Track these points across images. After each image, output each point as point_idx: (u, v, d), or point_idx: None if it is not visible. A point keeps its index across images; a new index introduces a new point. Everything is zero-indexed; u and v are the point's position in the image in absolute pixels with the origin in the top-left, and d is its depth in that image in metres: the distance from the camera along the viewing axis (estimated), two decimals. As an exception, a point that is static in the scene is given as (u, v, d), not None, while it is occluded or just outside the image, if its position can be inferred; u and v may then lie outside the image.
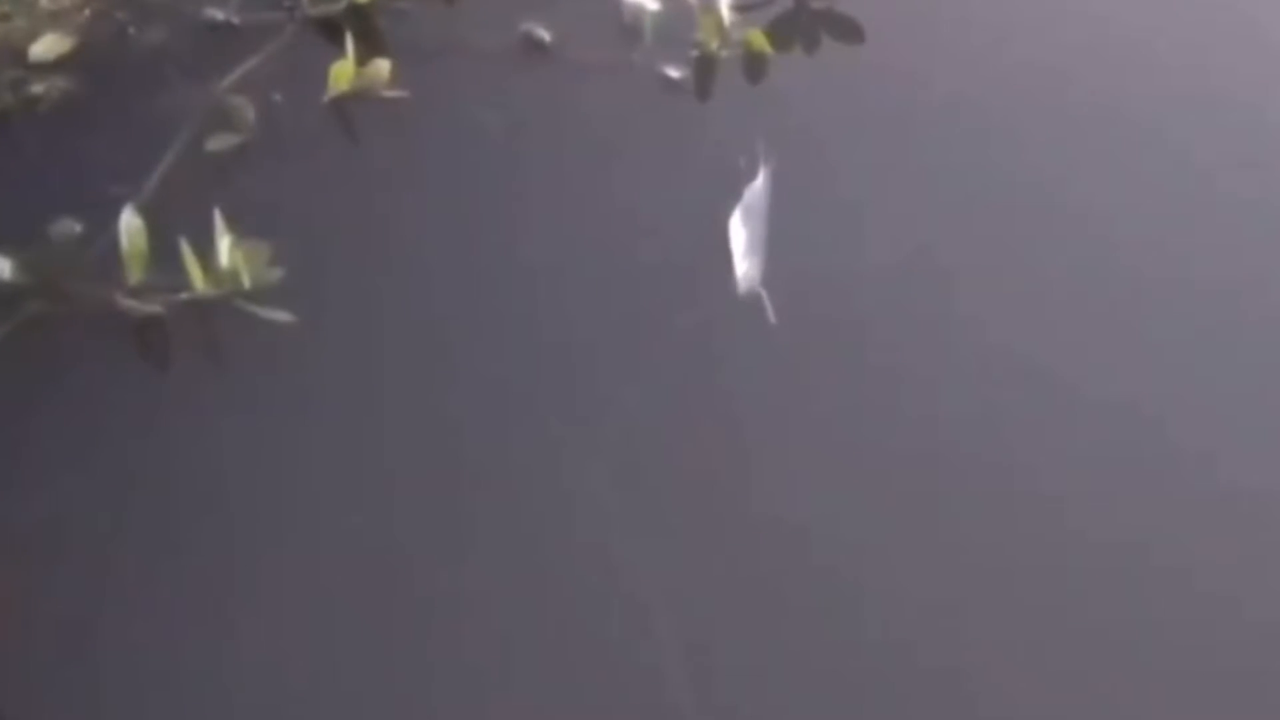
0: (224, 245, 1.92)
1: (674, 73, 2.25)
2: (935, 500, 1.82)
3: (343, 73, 2.13)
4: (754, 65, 2.27)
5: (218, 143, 2.09)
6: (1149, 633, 1.73)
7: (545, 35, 2.27)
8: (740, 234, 2.02)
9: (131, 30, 2.21)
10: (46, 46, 2.15)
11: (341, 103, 2.15)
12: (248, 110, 2.12)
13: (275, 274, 1.95)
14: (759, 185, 2.08)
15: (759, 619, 1.73)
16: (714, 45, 2.27)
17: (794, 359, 1.93)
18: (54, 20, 2.19)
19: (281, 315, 1.92)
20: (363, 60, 2.15)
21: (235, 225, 1.93)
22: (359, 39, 2.16)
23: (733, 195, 2.08)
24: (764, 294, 1.96)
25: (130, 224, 1.93)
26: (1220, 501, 1.82)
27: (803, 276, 1.99)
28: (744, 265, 1.98)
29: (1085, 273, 2.04)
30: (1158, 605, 1.74)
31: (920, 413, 1.90)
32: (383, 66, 2.16)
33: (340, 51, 2.14)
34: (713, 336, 1.96)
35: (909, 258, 2.03)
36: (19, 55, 2.15)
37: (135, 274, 1.92)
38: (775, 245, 2.02)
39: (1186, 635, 1.73)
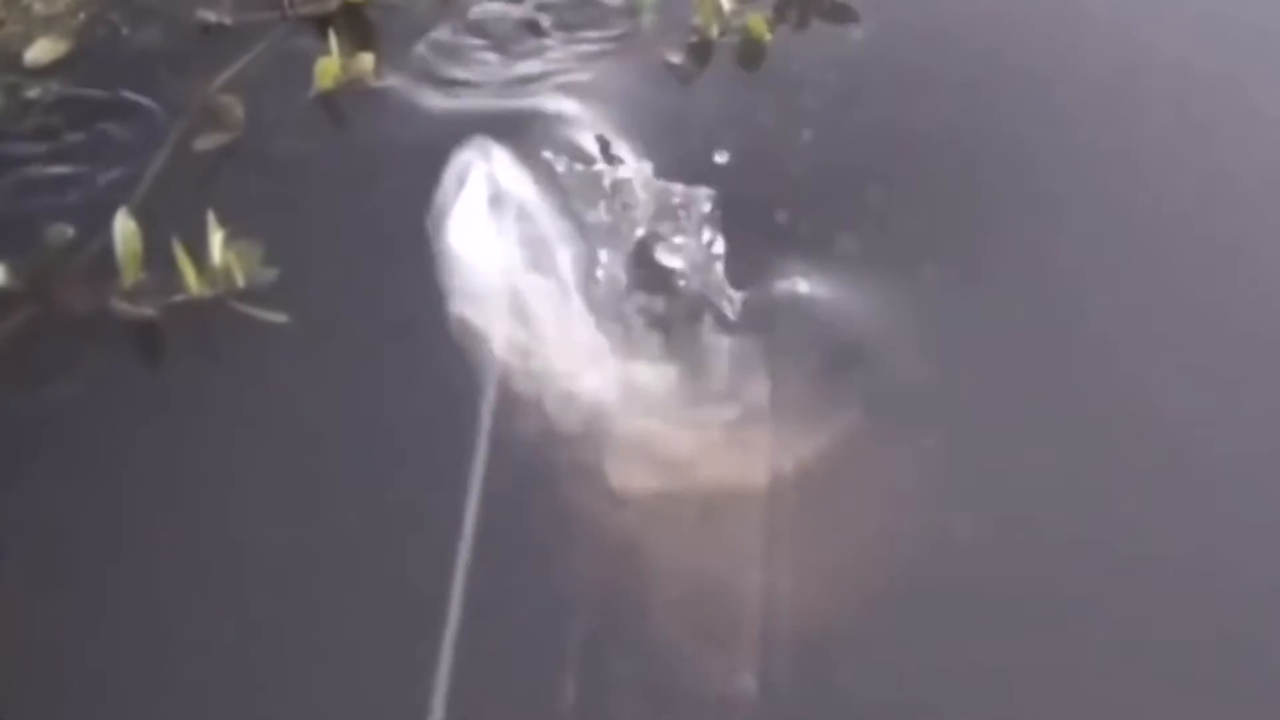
0: (216, 243, 1.92)
1: (673, 58, 2.23)
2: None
3: (327, 70, 2.13)
4: (751, 51, 2.25)
5: (206, 142, 2.09)
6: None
7: (543, 19, 2.26)
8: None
9: (125, 32, 2.21)
10: (41, 51, 2.16)
11: (330, 97, 2.15)
12: (236, 108, 2.11)
13: (270, 274, 1.94)
14: None
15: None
16: (712, 30, 2.25)
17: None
18: (48, 24, 2.19)
19: (276, 316, 1.91)
20: (349, 53, 2.14)
21: (226, 224, 1.93)
22: (350, 35, 2.15)
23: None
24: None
25: (125, 227, 1.93)
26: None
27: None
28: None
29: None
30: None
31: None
32: (367, 60, 2.15)
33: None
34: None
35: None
36: (13, 60, 2.15)
37: (130, 277, 1.92)
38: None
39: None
